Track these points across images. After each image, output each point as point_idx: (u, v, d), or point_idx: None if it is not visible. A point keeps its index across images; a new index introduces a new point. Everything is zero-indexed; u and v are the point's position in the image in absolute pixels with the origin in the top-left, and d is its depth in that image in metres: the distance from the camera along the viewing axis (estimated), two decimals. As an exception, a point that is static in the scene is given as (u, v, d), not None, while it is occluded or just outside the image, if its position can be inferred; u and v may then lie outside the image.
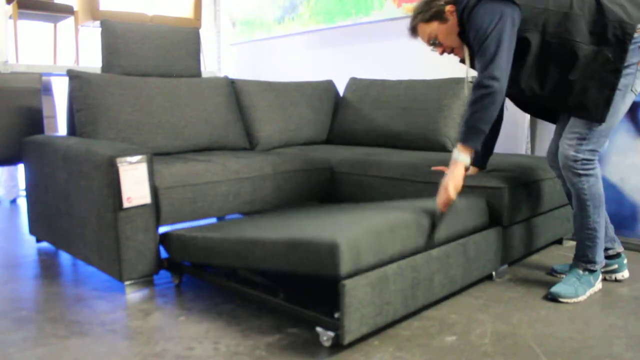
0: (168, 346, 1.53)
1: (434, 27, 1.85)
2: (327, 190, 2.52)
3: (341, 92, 3.39)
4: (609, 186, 2.54)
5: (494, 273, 2.03)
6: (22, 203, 3.83)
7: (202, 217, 2.09)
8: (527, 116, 2.79)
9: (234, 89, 2.94)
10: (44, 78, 3.22)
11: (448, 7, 1.82)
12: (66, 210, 2.17)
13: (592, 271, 1.88)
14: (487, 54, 1.68)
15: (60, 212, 2.23)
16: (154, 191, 1.96)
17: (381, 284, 1.48)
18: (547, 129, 2.74)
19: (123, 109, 2.40)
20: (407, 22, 1.92)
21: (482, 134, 1.71)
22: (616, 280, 2.03)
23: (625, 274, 2.04)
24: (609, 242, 2.00)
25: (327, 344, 1.48)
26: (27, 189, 2.55)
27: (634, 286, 2.00)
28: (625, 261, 2.05)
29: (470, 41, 1.77)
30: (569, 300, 1.81)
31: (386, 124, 2.89)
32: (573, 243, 2.58)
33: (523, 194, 2.04)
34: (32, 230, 2.58)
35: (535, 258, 2.33)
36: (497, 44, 1.66)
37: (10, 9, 3.66)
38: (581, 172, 1.78)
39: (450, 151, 2.11)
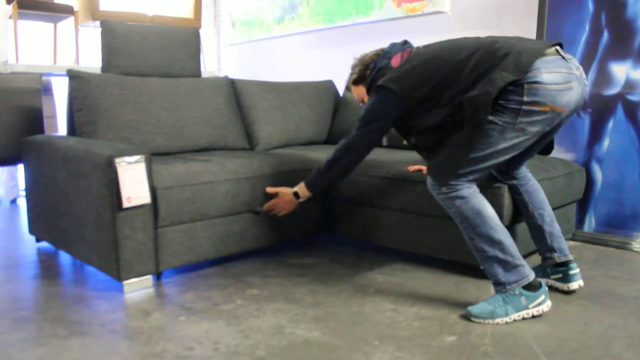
0: (168, 346, 1.53)
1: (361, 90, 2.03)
2: (327, 190, 2.52)
3: (341, 92, 3.39)
4: (609, 186, 2.54)
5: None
6: (22, 203, 3.83)
7: (201, 217, 2.09)
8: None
9: (234, 89, 2.93)
10: (44, 78, 3.22)
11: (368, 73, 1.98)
12: (66, 210, 2.17)
13: (528, 289, 1.67)
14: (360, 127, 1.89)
15: (59, 212, 2.23)
16: (153, 191, 1.96)
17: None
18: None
19: (123, 109, 2.40)
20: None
21: (327, 184, 2.04)
22: (569, 290, 1.89)
23: (573, 285, 1.88)
24: (547, 252, 1.91)
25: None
26: (27, 189, 2.54)
27: (634, 286, 1.99)
28: (574, 271, 1.89)
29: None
30: (482, 321, 1.66)
31: (386, 124, 2.89)
32: (573, 243, 2.59)
33: (523, 194, 2.04)
34: (32, 230, 2.58)
35: (535, 258, 2.33)
36: (365, 135, 1.89)
37: (10, 9, 3.66)
38: (441, 196, 1.71)
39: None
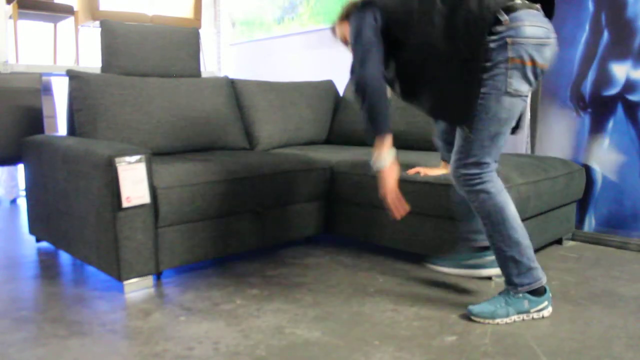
0: (168, 346, 1.53)
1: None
2: (327, 190, 2.52)
3: (341, 92, 3.39)
4: (609, 186, 2.54)
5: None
6: (22, 203, 3.83)
7: (201, 217, 2.09)
8: (527, 116, 2.79)
9: (234, 89, 2.94)
10: (44, 78, 3.22)
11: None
12: (65, 210, 2.17)
13: (533, 294, 1.68)
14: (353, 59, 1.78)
15: (59, 212, 2.23)
16: (153, 191, 1.96)
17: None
18: (548, 129, 2.74)
19: (123, 109, 2.40)
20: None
21: (382, 118, 1.75)
22: (487, 277, 1.87)
23: (491, 271, 1.87)
24: (473, 233, 1.88)
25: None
26: (27, 189, 2.54)
27: (634, 286, 1.99)
28: (491, 258, 1.84)
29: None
30: (482, 321, 1.66)
31: (386, 124, 2.89)
32: (573, 243, 2.59)
33: (523, 194, 2.04)
34: (32, 230, 2.58)
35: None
36: (359, 52, 1.75)
37: (10, 9, 3.66)
38: (466, 188, 1.67)
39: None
